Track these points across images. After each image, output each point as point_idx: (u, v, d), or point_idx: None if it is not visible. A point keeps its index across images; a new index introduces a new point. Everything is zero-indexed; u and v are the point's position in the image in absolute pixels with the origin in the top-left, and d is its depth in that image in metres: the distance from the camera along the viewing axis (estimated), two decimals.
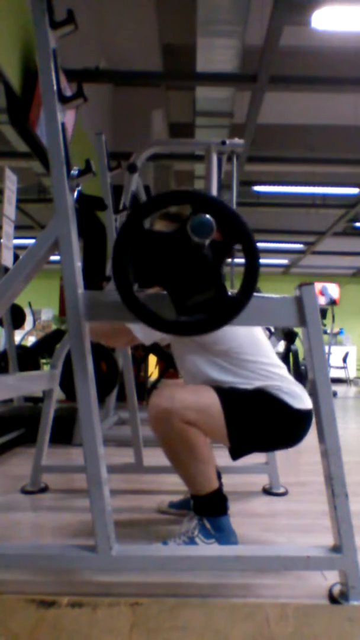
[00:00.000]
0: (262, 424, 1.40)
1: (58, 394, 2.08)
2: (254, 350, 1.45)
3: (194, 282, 1.07)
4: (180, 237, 1.06)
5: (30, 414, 3.17)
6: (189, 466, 1.35)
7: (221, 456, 1.56)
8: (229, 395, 1.37)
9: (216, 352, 1.43)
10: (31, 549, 1.26)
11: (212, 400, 1.34)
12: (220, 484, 1.44)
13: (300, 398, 1.41)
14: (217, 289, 1.07)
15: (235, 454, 1.43)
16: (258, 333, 1.52)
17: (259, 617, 1.02)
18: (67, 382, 2.01)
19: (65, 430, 3.00)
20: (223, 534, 1.39)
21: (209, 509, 1.40)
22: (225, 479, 1.62)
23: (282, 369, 1.48)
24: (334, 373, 9.81)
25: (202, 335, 1.15)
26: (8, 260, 2.86)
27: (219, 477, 1.48)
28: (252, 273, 1.07)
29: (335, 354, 9.48)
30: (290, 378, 1.48)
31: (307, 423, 1.41)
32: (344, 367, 9.73)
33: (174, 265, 1.08)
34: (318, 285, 7.95)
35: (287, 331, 5.21)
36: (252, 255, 1.06)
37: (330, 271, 12.29)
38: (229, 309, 1.08)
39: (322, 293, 7.65)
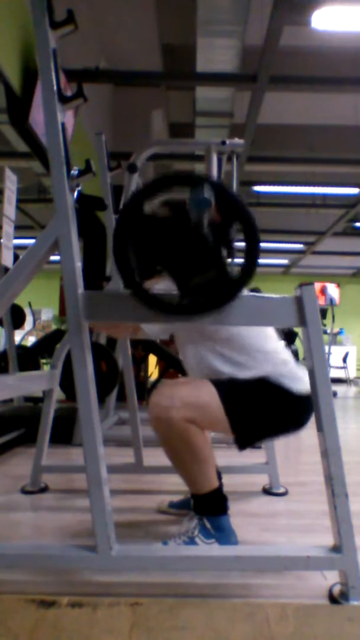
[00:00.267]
0: (264, 412, 1.40)
1: (58, 394, 2.08)
2: (257, 337, 1.44)
3: (195, 263, 1.08)
4: (180, 220, 1.07)
5: (30, 414, 3.17)
6: (189, 465, 1.35)
7: (221, 456, 1.56)
8: (227, 388, 1.37)
9: (219, 340, 1.42)
10: (31, 549, 1.26)
11: (210, 394, 1.35)
12: (221, 484, 1.44)
13: (302, 381, 1.41)
14: (218, 270, 1.07)
15: (241, 445, 1.43)
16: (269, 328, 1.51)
17: (259, 617, 1.02)
18: (67, 382, 2.01)
19: (65, 430, 3.00)
20: (223, 534, 1.39)
21: (209, 508, 1.40)
22: (225, 479, 1.62)
23: (285, 353, 1.48)
24: (334, 373, 9.81)
25: (205, 317, 1.15)
26: (8, 260, 2.86)
27: (219, 477, 1.48)
28: (252, 252, 1.07)
29: (335, 354, 9.48)
30: (294, 361, 1.47)
31: (311, 406, 1.40)
32: (344, 367, 9.73)
33: (175, 247, 1.09)
34: (318, 285, 7.96)
35: (287, 331, 5.21)
36: (252, 234, 1.06)
37: (330, 271, 12.29)
38: (231, 289, 1.09)
39: (323, 293, 7.65)
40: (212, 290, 1.09)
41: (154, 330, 1.43)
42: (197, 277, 1.09)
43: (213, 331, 1.42)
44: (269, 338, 1.49)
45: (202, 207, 1.03)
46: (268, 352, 1.44)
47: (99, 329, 1.45)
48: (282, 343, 1.52)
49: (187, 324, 1.42)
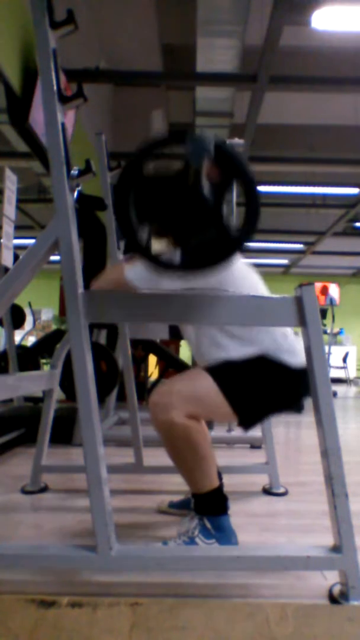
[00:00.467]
0: (264, 390, 1.40)
1: (58, 394, 2.08)
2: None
3: (195, 222, 1.09)
4: (180, 179, 1.08)
5: (30, 414, 3.17)
6: (190, 463, 1.35)
7: (221, 456, 1.56)
8: (223, 373, 1.38)
9: None
10: (31, 549, 1.26)
11: (207, 383, 1.35)
12: (221, 484, 1.44)
13: (300, 354, 1.39)
14: (218, 228, 1.08)
15: (245, 425, 1.43)
16: (262, 289, 1.50)
17: (259, 617, 1.02)
18: (67, 382, 2.01)
19: (65, 430, 3.00)
20: (223, 534, 1.39)
21: (209, 507, 1.40)
22: (225, 479, 1.62)
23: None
24: (334, 373, 9.81)
25: (205, 275, 1.16)
26: (8, 260, 2.86)
27: (220, 477, 1.48)
28: (252, 211, 1.08)
29: (335, 354, 9.48)
30: (293, 334, 1.47)
31: (306, 378, 1.41)
32: (344, 367, 9.73)
33: (175, 206, 1.10)
34: (318, 285, 7.96)
35: None
36: (251, 192, 1.07)
37: (330, 271, 12.29)
38: (231, 247, 1.10)
39: (323, 293, 7.65)
40: (213, 249, 1.10)
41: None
42: (198, 236, 1.10)
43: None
44: (263, 289, 1.48)
45: (201, 155, 1.03)
46: (267, 330, 1.42)
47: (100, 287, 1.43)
48: None
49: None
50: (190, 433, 1.30)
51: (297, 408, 1.46)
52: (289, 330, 1.47)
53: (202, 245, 1.10)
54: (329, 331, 7.73)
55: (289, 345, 1.42)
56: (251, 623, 1.01)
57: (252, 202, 1.07)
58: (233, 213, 1.18)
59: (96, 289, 1.38)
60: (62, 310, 5.58)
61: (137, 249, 1.10)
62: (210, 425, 3.19)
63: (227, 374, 1.38)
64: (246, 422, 1.42)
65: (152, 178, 1.12)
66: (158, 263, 1.11)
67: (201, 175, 1.06)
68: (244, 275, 1.46)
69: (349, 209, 7.36)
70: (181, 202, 1.09)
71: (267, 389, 1.40)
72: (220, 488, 1.41)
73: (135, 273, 1.35)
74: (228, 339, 1.42)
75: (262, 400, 1.42)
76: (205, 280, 1.31)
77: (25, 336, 6.50)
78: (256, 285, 1.48)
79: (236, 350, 1.41)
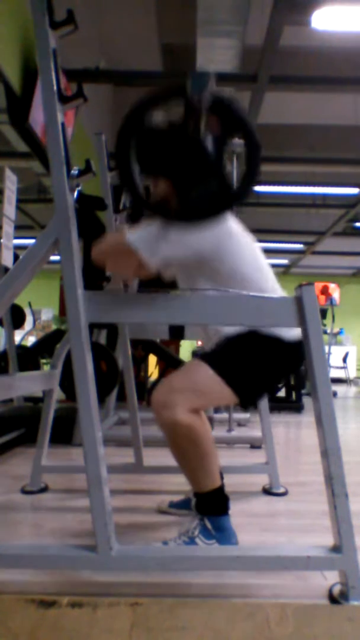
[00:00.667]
0: (260, 367, 1.40)
1: (58, 394, 2.08)
2: (257, 276, 1.43)
3: (195, 173, 1.11)
4: (181, 130, 1.09)
5: (30, 414, 3.17)
6: (193, 461, 1.36)
7: (221, 456, 1.56)
8: (218, 358, 1.38)
9: (220, 274, 1.40)
10: (31, 549, 1.26)
11: (205, 372, 1.35)
12: (222, 484, 1.44)
13: (289, 328, 1.39)
14: (218, 180, 1.10)
15: (245, 404, 1.44)
16: (261, 257, 1.50)
17: (259, 617, 1.02)
18: (67, 382, 2.01)
19: (65, 430, 3.00)
20: (223, 534, 1.39)
21: (210, 507, 1.40)
22: (225, 479, 1.62)
23: (278, 292, 1.46)
24: (334, 373, 9.80)
25: (206, 222, 1.17)
26: (8, 260, 2.86)
27: (221, 477, 1.48)
28: (253, 162, 1.09)
29: (335, 354, 9.48)
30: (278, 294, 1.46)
31: (303, 351, 1.40)
32: (344, 367, 9.73)
33: (177, 158, 1.11)
34: (318, 285, 7.96)
35: None
36: (252, 144, 1.08)
37: (330, 271, 12.29)
38: (231, 199, 1.11)
39: (324, 293, 7.65)
40: (214, 200, 1.11)
41: (155, 256, 1.36)
42: (199, 187, 1.12)
43: (216, 261, 1.39)
44: (269, 279, 1.47)
45: (203, 87, 1.04)
46: (265, 294, 1.41)
47: (101, 257, 1.42)
48: (279, 286, 1.50)
49: (186, 257, 1.39)
50: (194, 431, 1.31)
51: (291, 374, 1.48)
52: None
53: (202, 197, 1.11)
54: (329, 331, 7.73)
55: None
56: (251, 623, 1.01)
57: (253, 155, 1.08)
58: (233, 168, 1.21)
59: (97, 254, 1.38)
60: (62, 310, 5.58)
61: (137, 200, 1.11)
62: (210, 424, 3.19)
63: (222, 359, 1.38)
64: (247, 402, 1.43)
65: (152, 129, 1.13)
66: (158, 212, 1.12)
67: (201, 124, 1.07)
68: (243, 242, 1.45)
69: (349, 209, 7.36)
70: (181, 152, 1.10)
71: (263, 366, 1.40)
72: (222, 488, 1.41)
73: (136, 236, 1.34)
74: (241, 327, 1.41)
75: (260, 377, 1.43)
76: (205, 246, 1.33)
77: (25, 336, 6.50)
78: (255, 254, 1.48)
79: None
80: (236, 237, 1.43)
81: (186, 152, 1.10)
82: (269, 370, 1.43)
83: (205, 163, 1.10)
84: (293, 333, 1.39)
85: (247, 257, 1.43)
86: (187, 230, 1.29)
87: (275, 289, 1.46)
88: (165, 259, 1.36)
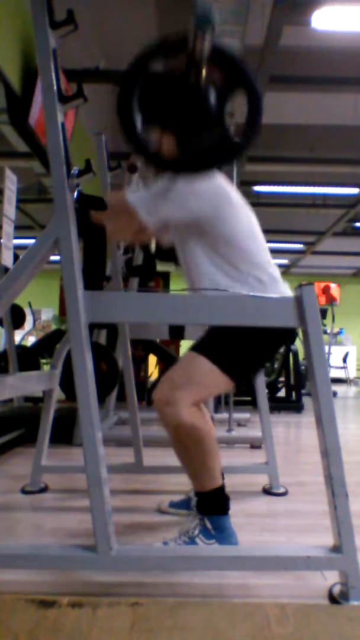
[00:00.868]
0: (251, 347, 1.40)
1: (58, 394, 2.08)
2: (251, 245, 1.43)
3: (197, 123, 1.12)
4: (183, 79, 1.11)
5: (30, 414, 3.17)
6: (196, 460, 1.37)
7: (221, 456, 1.55)
8: (211, 346, 1.39)
9: (213, 239, 1.40)
10: (31, 549, 1.26)
11: (201, 364, 1.36)
12: (223, 484, 1.44)
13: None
14: (220, 131, 1.11)
15: (241, 385, 1.45)
16: (258, 229, 1.50)
17: (259, 617, 1.02)
18: (67, 382, 2.01)
19: (65, 430, 3.00)
20: (223, 534, 1.39)
21: (211, 506, 1.40)
22: (225, 479, 1.62)
23: (272, 267, 1.46)
24: (334, 373, 9.80)
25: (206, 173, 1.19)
26: (8, 260, 2.87)
27: (222, 477, 1.48)
28: (254, 113, 1.10)
29: (335, 354, 9.47)
30: (277, 277, 1.46)
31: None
32: (344, 367, 9.73)
33: (179, 107, 1.13)
34: (319, 285, 7.96)
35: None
36: (253, 94, 1.10)
37: (330, 271, 12.29)
38: (233, 149, 1.12)
39: (324, 292, 7.66)
40: (215, 151, 1.12)
41: (153, 217, 1.37)
42: (200, 138, 1.13)
43: (213, 227, 1.39)
44: (263, 250, 1.47)
45: (207, 20, 1.03)
46: (257, 269, 1.41)
47: (103, 219, 1.43)
48: (270, 257, 1.50)
49: (184, 219, 1.39)
50: (198, 429, 1.32)
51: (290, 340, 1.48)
52: (275, 273, 1.46)
53: (203, 147, 1.13)
54: (329, 331, 7.73)
55: (276, 292, 1.41)
56: (251, 623, 1.01)
57: (254, 106, 1.09)
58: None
59: (97, 213, 1.39)
60: (62, 310, 5.58)
61: (138, 149, 1.12)
62: None
63: (214, 347, 1.39)
64: (243, 383, 1.44)
65: (154, 78, 1.14)
66: (159, 162, 1.13)
67: (202, 74, 1.08)
68: (241, 211, 1.45)
69: (349, 209, 7.36)
70: (182, 102, 1.12)
71: (254, 345, 1.40)
72: (223, 487, 1.41)
73: (136, 195, 1.35)
74: (227, 279, 1.41)
75: (253, 357, 1.44)
76: (204, 209, 1.33)
77: (25, 336, 6.50)
78: (252, 224, 1.48)
79: (232, 289, 1.39)
80: (235, 205, 1.43)
81: (187, 102, 1.12)
82: (260, 348, 1.43)
83: (206, 113, 1.11)
84: None
85: (244, 225, 1.43)
86: (187, 192, 1.31)
87: (268, 261, 1.45)
88: (163, 220, 1.37)
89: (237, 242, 1.40)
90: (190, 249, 1.44)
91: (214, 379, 1.36)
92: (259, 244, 1.46)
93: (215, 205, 1.37)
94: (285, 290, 1.44)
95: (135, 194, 1.35)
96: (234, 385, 1.42)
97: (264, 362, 1.50)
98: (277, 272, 1.46)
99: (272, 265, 1.47)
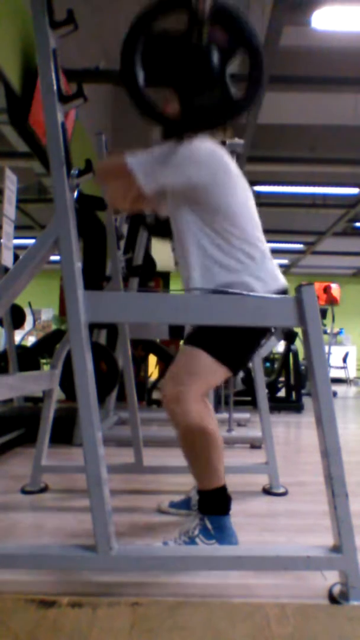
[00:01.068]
0: (243, 333, 1.41)
1: (58, 394, 2.08)
2: (244, 219, 1.43)
3: (199, 82, 1.13)
4: (187, 39, 1.11)
5: (30, 414, 3.17)
6: (201, 457, 1.38)
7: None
8: (205, 339, 1.40)
9: (207, 208, 1.40)
10: (31, 549, 1.26)
11: (199, 356, 1.38)
12: (226, 484, 1.45)
13: (265, 282, 1.40)
14: (221, 90, 1.13)
15: (238, 372, 1.50)
16: (251, 200, 1.51)
17: (259, 617, 1.02)
18: (67, 382, 2.02)
19: (65, 430, 3.00)
20: (224, 534, 1.39)
21: (213, 506, 1.40)
22: (225, 479, 1.62)
23: (263, 243, 1.46)
24: (334, 373, 9.80)
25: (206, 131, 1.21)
26: (8, 260, 2.87)
27: None
28: (256, 71, 1.12)
29: (335, 354, 9.47)
30: (267, 255, 1.46)
31: None
32: (344, 367, 9.73)
33: (182, 65, 1.13)
34: (320, 285, 7.96)
35: (287, 331, 5.21)
36: (255, 52, 1.11)
37: (330, 271, 12.29)
38: (232, 109, 1.14)
39: (325, 292, 7.66)
40: (216, 108, 1.14)
41: (151, 182, 1.37)
42: (202, 97, 1.15)
43: (203, 198, 1.40)
44: (256, 225, 1.48)
45: None
46: (248, 247, 1.42)
47: (100, 176, 1.44)
48: (262, 234, 1.50)
49: (181, 185, 1.40)
50: (206, 427, 1.35)
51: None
52: (265, 249, 1.46)
53: (204, 105, 1.14)
54: (329, 331, 7.73)
55: (257, 273, 1.41)
56: (251, 623, 1.01)
57: (256, 64, 1.11)
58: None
59: (98, 174, 1.41)
60: (62, 310, 5.58)
61: (140, 106, 1.12)
62: None
63: (208, 338, 1.40)
64: (239, 370, 1.48)
65: (157, 36, 1.15)
66: (161, 120, 1.14)
67: (204, 32, 1.09)
68: (239, 184, 1.46)
69: (349, 209, 7.36)
70: (184, 59, 1.12)
71: (245, 332, 1.41)
72: (225, 487, 1.42)
73: (136, 158, 1.35)
74: (218, 252, 1.41)
75: (246, 343, 1.45)
76: (201, 176, 1.34)
77: (25, 336, 6.50)
78: (247, 198, 1.49)
79: (223, 277, 1.40)
80: (232, 176, 1.44)
81: (189, 60, 1.12)
82: (251, 335, 1.44)
83: (208, 72, 1.12)
84: (270, 287, 1.40)
85: (239, 197, 1.44)
86: (187, 157, 1.33)
87: (259, 237, 1.46)
88: (160, 185, 1.39)
89: (231, 215, 1.41)
90: (184, 219, 1.44)
91: (213, 370, 1.39)
92: (252, 219, 1.47)
93: (213, 173, 1.38)
94: (274, 268, 1.46)
95: (135, 156, 1.35)
96: (232, 372, 1.45)
97: (255, 347, 1.51)
98: (267, 250, 1.47)
99: (263, 241, 1.48)
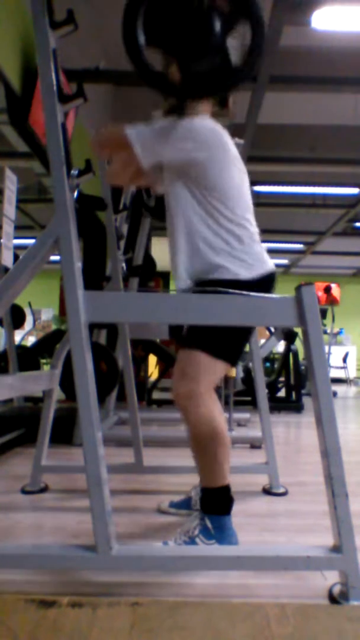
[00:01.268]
0: (235, 330, 1.42)
1: (58, 394, 2.08)
2: (238, 200, 1.44)
3: (199, 47, 1.13)
4: (187, 3, 1.12)
5: (30, 414, 3.17)
6: (210, 454, 1.39)
7: None
8: (201, 340, 1.41)
9: (201, 185, 1.41)
10: (31, 549, 1.26)
11: (199, 357, 1.40)
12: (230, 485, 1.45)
13: (250, 265, 1.41)
14: (221, 57, 1.13)
15: (236, 363, 1.51)
16: (246, 182, 1.51)
17: (259, 617, 1.02)
18: (67, 382, 2.02)
19: (65, 430, 3.00)
20: (224, 534, 1.39)
21: (215, 504, 1.41)
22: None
23: (253, 226, 1.47)
24: (334, 373, 9.80)
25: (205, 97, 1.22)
26: (8, 260, 2.87)
27: None
28: (256, 45, 1.12)
29: (335, 354, 9.48)
30: (256, 239, 1.47)
31: (262, 288, 1.40)
32: (344, 367, 9.73)
33: (183, 29, 1.14)
34: (321, 285, 7.96)
35: (287, 331, 5.21)
36: (257, 23, 1.12)
37: (330, 271, 12.29)
38: (232, 76, 1.14)
39: (326, 292, 7.67)
40: (216, 75, 1.14)
41: (148, 156, 1.38)
42: (201, 62, 1.15)
43: (198, 174, 1.40)
44: (248, 208, 1.48)
45: None
46: (240, 224, 1.42)
47: (99, 145, 1.45)
48: (251, 215, 1.50)
49: (178, 161, 1.40)
50: (217, 422, 1.37)
51: None
52: (251, 228, 1.46)
53: (204, 70, 1.15)
54: (329, 331, 7.73)
55: (242, 256, 1.41)
56: (251, 623, 1.01)
57: (256, 31, 1.11)
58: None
59: (95, 142, 1.42)
60: (62, 310, 5.58)
61: (140, 68, 1.13)
62: None
63: (205, 337, 1.41)
64: (236, 360, 1.50)
65: (158, 1, 1.15)
66: (161, 84, 1.15)
67: None
68: (236, 164, 1.47)
69: (349, 209, 7.36)
70: (184, 23, 1.13)
71: (236, 327, 1.42)
72: (229, 487, 1.43)
73: (135, 130, 1.36)
74: (208, 231, 1.42)
75: (238, 337, 1.46)
76: (199, 153, 1.35)
77: (25, 336, 6.50)
78: (243, 180, 1.49)
79: (209, 257, 1.41)
80: (230, 155, 1.44)
81: (189, 24, 1.13)
82: (242, 328, 1.45)
83: (207, 36, 1.12)
84: (256, 270, 1.41)
85: (234, 179, 1.44)
86: (187, 131, 1.33)
87: (249, 220, 1.46)
88: (158, 158, 1.39)
89: (224, 195, 1.41)
90: (176, 195, 1.45)
91: (213, 367, 1.42)
92: (244, 201, 1.47)
93: (212, 151, 1.38)
94: (262, 251, 1.46)
95: (135, 128, 1.35)
96: (232, 365, 1.48)
97: (248, 337, 1.53)
98: (256, 233, 1.48)
99: (253, 224, 1.48)
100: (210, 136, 1.39)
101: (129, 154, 1.36)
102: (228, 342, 1.44)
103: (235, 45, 1.17)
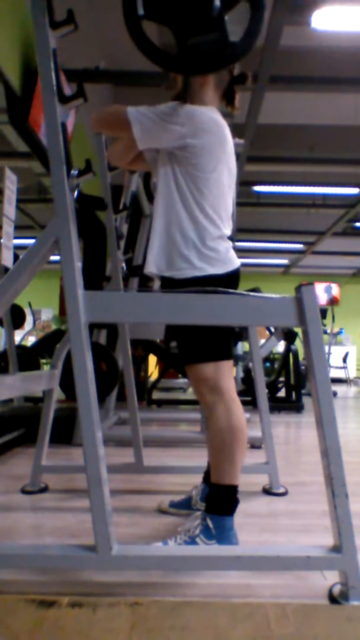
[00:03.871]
0: (215, 330, 1.44)
1: (58, 394, 2.08)
2: (216, 202, 1.43)
3: (196, 20, 1.15)
4: None
5: (30, 414, 3.17)
6: (227, 449, 1.40)
7: None
8: (194, 354, 1.45)
9: (186, 171, 1.40)
10: (31, 549, 1.26)
11: (202, 369, 1.44)
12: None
13: (218, 262, 1.42)
14: (220, 32, 1.14)
15: (233, 358, 1.53)
16: (232, 182, 1.51)
17: (259, 617, 1.02)
18: (67, 382, 2.02)
19: (65, 430, 3.00)
20: (224, 535, 1.39)
21: (220, 503, 1.41)
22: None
23: (224, 227, 1.46)
24: (334, 373, 9.80)
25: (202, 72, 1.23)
26: (8, 260, 2.87)
27: None
28: (255, 21, 1.14)
29: (335, 354, 9.48)
30: (225, 238, 1.47)
31: (228, 284, 1.40)
32: (344, 367, 9.73)
33: (182, 2, 1.14)
34: (321, 285, 7.96)
35: (287, 331, 5.21)
36: (257, 3, 1.13)
37: (330, 271, 12.29)
38: (232, 50, 1.15)
39: (326, 291, 7.67)
40: (213, 50, 1.15)
41: (146, 138, 1.39)
42: (197, 36, 1.16)
43: (187, 159, 1.39)
44: (225, 208, 1.47)
45: None
46: (213, 221, 1.42)
47: (99, 123, 1.46)
48: (228, 210, 1.50)
49: (173, 147, 1.39)
50: (241, 421, 1.42)
51: None
52: (221, 225, 1.46)
53: (201, 46, 1.15)
54: (329, 331, 7.73)
55: (208, 253, 1.42)
56: (251, 623, 1.01)
57: (256, 9, 1.13)
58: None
59: (95, 120, 1.44)
60: (62, 310, 5.58)
61: (139, 43, 1.13)
62: None
63: (192, 351, 1.45)
64: (230, 353, 1.52)
65: None
66: (157, 57, 1.15)
67: None
68: (230, 153, 1.47)
69: (349, 209, 7.36)
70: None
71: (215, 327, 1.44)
72: (237, 489, 1.43)
73: (136, 110, 1.36)
74: (179, 237, 1.42)
75: (221, 333, 1.47)
76: (195, 141, 1.35)
77: (25, 336, 6.50)
78: (231, 172, 1.49)
79: (180, 247, 1.41)
80: (225, 152, 1.44)
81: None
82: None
83: (206, 11, 1.13)
84: (226, 268, 1.42)
85: (222, 177, 1.44)
86: (188, 119, 1.33)
87: (222, 217, 1.45)
88: (154, 140, 1.40)
89: (206, 190, 1.41)
90: (165, 178, 1.44)
91: (221, 369, 1.44)
92: (224, 201, 1.46)
93: (208, 140, 1.37)
94: (228, 250, 1.46)
95: (137, 108, 1.36)
96: (232, 359, 1.51)
97: (231, 330, 1.55)
98: (227, 233, 1.47)
99: (227, 225, 1.47)
100: (212, 125, 1.39)
101: (127, 135, 1.36)
102: (215, 344, 1.46)
103: (234, 22, 1.17)
